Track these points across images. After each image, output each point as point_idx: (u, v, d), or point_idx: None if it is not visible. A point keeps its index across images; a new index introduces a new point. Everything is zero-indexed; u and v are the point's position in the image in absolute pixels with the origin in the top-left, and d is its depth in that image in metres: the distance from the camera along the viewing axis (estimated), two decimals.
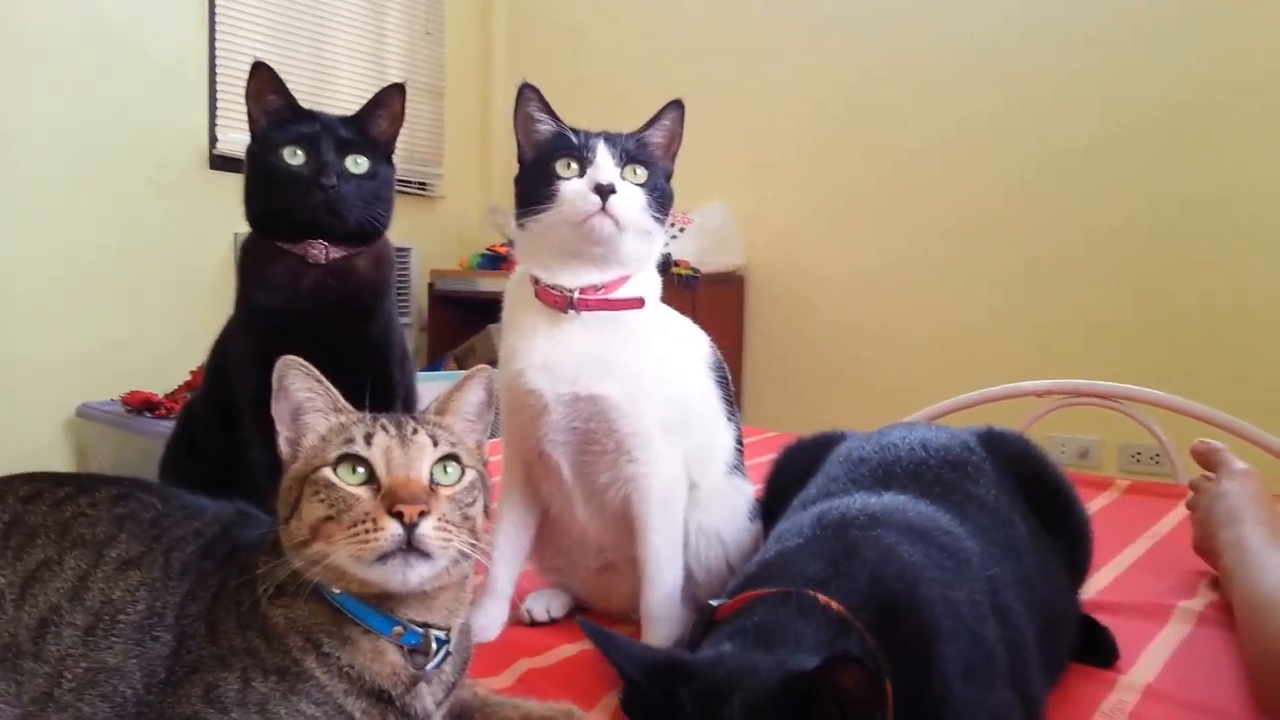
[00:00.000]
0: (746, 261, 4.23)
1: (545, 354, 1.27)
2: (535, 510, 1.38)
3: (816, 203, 4.11)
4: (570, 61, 4.60)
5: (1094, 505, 2.05)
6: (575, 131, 1.30)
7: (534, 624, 1.38)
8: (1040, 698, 1.02)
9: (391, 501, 0.82)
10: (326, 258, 1.48)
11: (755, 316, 4.27)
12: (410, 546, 0.82)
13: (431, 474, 0.87)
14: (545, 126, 1.31)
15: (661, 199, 1.31)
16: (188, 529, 0.95)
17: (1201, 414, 2.21)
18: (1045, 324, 3.56)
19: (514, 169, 1.35)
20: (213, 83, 3.85)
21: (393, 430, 0.87)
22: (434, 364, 4.45)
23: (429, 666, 0.90)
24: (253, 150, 1.49)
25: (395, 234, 1.60)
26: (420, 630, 0.89)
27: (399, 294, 4.29)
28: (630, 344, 1.28)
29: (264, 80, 1.47)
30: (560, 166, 1.27)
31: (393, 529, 0.81)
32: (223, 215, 3.58)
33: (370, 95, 1.54)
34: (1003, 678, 0.93)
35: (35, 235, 3.35)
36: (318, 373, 0.91)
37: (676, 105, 1.34)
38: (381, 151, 1.53)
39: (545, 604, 1.39)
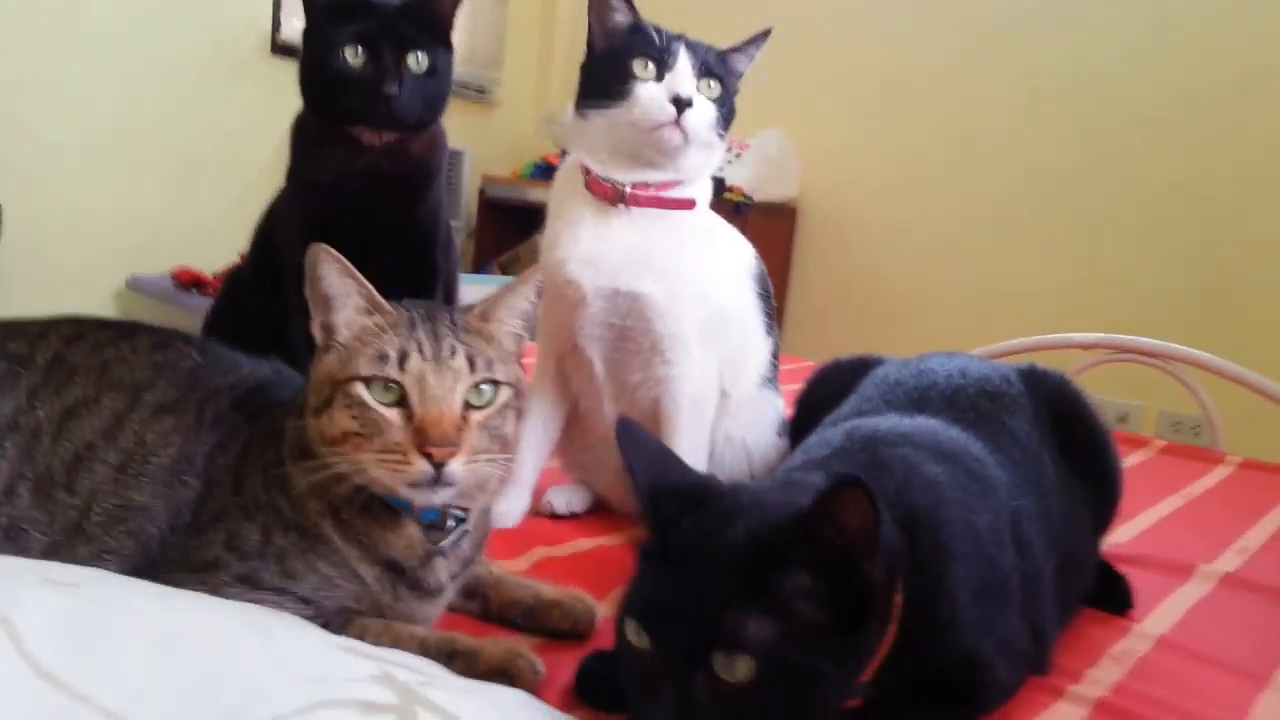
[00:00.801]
0: (800, 194, 4.17)
1: (589, 245, 1.26)
2: (565, 404, 1.38)
3: (875, 142, 4.03)
4: None
5: (1129, 461, 2.03)
6: (657, 30, 1.27)
7: (554, 516, 1.39)
8: (1051, 632, 1.02)
9: (422, 440, 0.82)
10: (380, 141, 1.47)
11: (804, 249, 4.22)
12: (438, 480, 0.83)
13: (465, 398, 0.86)
14: (622, 17, 1.27)
15: (729, 117, 1.30)
16: (223, 382, 0.96)
17: (1250, 380, 2.17)
18: (1097, 280, 3.49)
19: (574, 79, 1.33)
20: None
21: (429, 350, 0.85)
22: (480, 269, 4.46)
23: (445, 544, 0.91)
24: (310, 41, 1.45)
25: (450, 137, 1.58)
26: (439, 509, 0.90)
27: (450, 196, 4.34)
28: (676, 245, 1.27)
29: None
30: (637, 65, 1.23)
31: (421, 466, 0.82)
32: (283, 102, 3.57)
33: None
34: (1015, 605, 0.93)
35: (95, 113, 3.36)
36: (351, 266, 0.87)
37: (765, 36, 1.32)
38: (441, 37, 1.49)
39: (566, 499, 1.41)
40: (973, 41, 3.75)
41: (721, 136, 1.29)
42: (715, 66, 1.27)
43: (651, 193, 1.27)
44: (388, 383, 0.84)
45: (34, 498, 0.89)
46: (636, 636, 0.75)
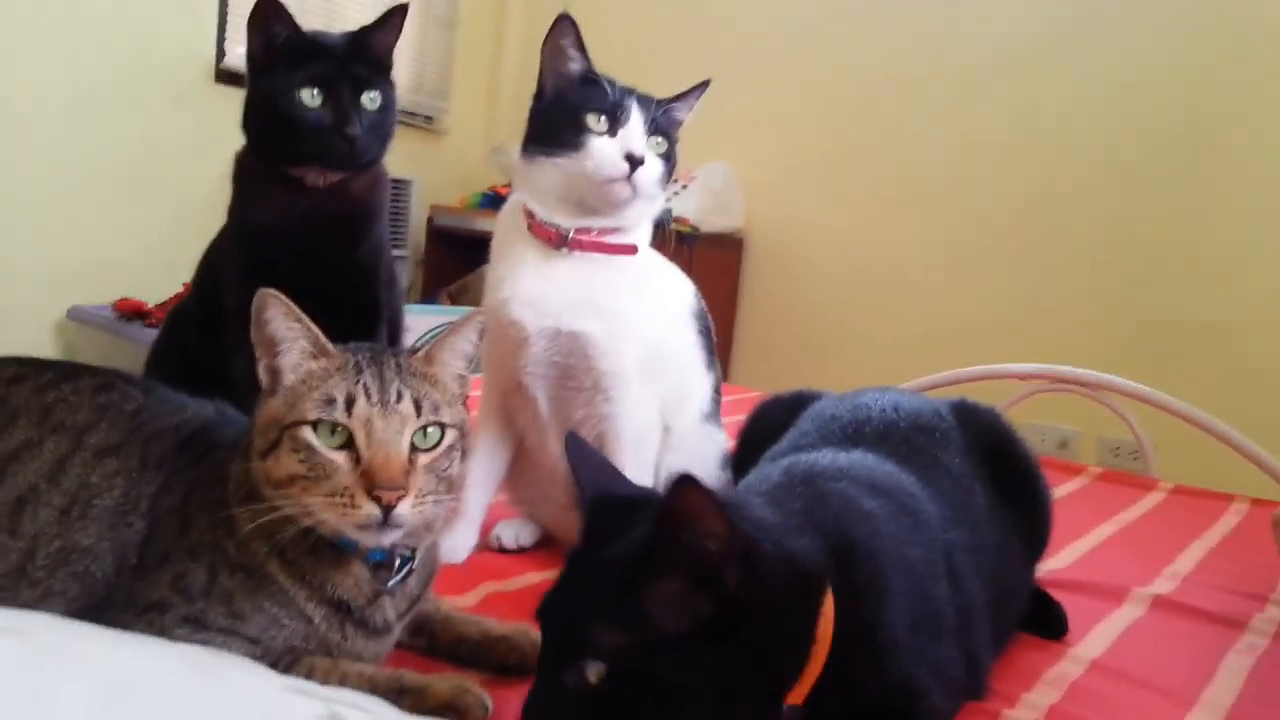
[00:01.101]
0: (746, 225, 4.23)
1: (531, 287, 1.29)
2: (510, 440, 1.40)
3: (821, 175, 4.09)
4: (587, 4, 4.56)
5: (1066, 489, 2.09)
6: (610, 83, 1.29)
7: (503, 551, 1.40)
8: (985, 660, 1.05)
9: (371, 484, 0.83)
10: (324, 182, 1.48)
11: (751, 279, 4.27)
12: (386, 522, 0.84)
13: (412, 440, 0.87)
14: (576, 66, 1.30)
15: (672, 170, 1.33)
16: (167, 423, 0.97)
17: (1180, 410, 2.24)
18: (1037, 314, 3.57)
19: (522, 109, 1.35)
20: None
21: (375, 395, 0.85)
22: (428, 299, 4.45)
23: (391, 583, 0.92)
24: (259, 84, 1.45)
25: (397, 166, 1.59)
26: (386, 548, 0.91)
27: (397, 226, 4.33)
28: (616, 286, 1.30)
29: (271, 10, 1.43)
30: (591, 118, 1.26)
31: (369, 509, 0.83)
32: (226, 130, 3.54)
33: (379, 13, 1.51)
34: (950, 635, 0.96)
35: (36, 140, 3.31)
36: (298, 310, 0.88)
37: (704, 86, 1.36)
38: (386, 73, 1.51)
39: (515, 532, 1.42)
40: (919, 80, 3.83)
41: (664, 188, 1.33)
42: (662, 123, 1.30)
43: (594, 237, 1.30)
44: (335, 426, 0.84)
45: None
46: (540, 633, 0.82)
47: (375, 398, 0.85)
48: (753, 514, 0.86)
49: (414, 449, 0.87)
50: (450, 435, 0.90)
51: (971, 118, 3.72)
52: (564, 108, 1.28)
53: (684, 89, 1.36)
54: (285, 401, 0.87)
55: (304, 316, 0.88)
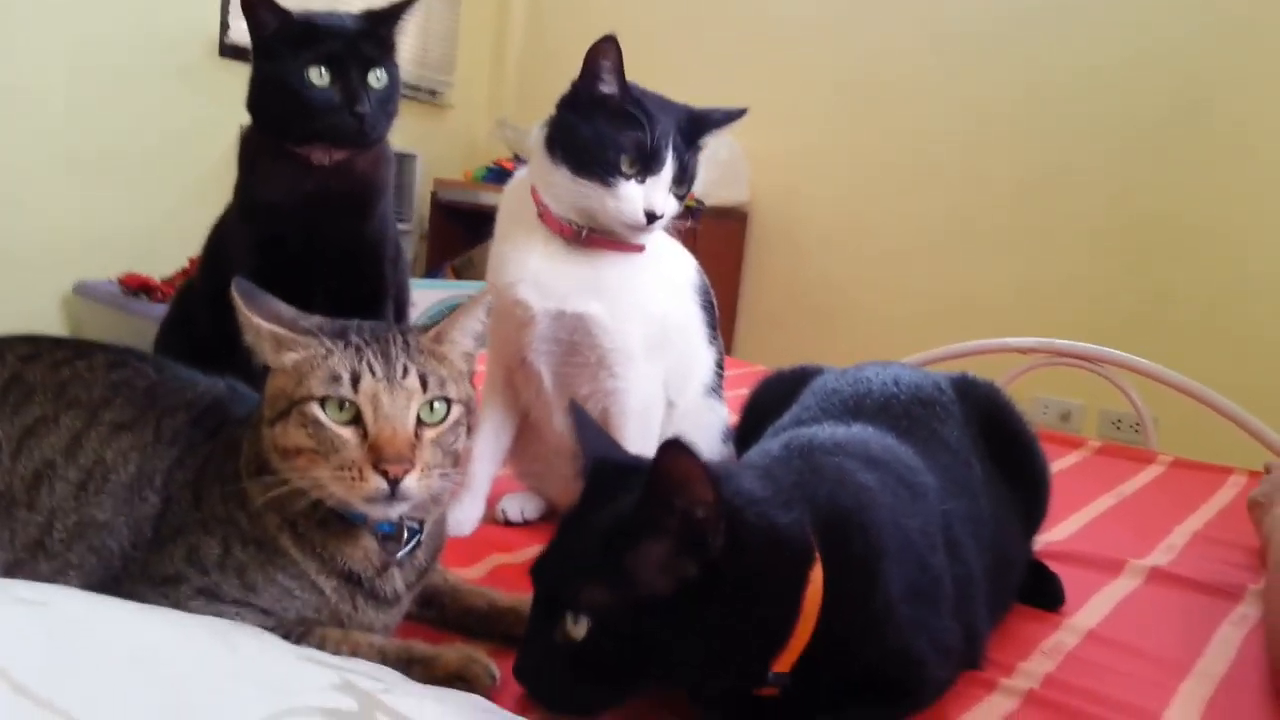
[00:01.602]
0: (751, 198, 4.23)
1: (538, 271, 1.30)
2: (515, 414, 1.41)
3: (827, 147, 4.09)
4: None
5: (1065, 462, 2.11)
6: (650, 117, 1.27)
7: (508, 524, 1.42)
8: (983, 630, 1.07)
9: (378, 457, 0.84)
10: (329, 159, 1.49)
11: (755, 254, 4.27)
12: (393, 495, 0.85)
13: (418, 415, 0.88)
14: (610, 91, 1.27)
15: (685, 196, 1.35)
16: (180, 399, 0.99)
17: (1180, 384, 2.25)
18: (1037, 285, 3.58)
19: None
20: None
21: (380, 371, 0.86)
22: (432, 272, 4.46)
23: (400, 554, 0.94)
24: (265, 64, 1.46)
25: (401, 140, 1.60)
26: (394, 520, 0.92)
27: (401, 200, 4.33)
28: (618, 269, 1.32)
29: (257, 2, 1.43)
30: (624, 161, 1.26)
31: (377, 483, 0.84)
32: (230, 105, 3.54)
33: None
34: (947, 605, 0.98)
35: (40, 116, 3.32)
36: (247, 312, 0.89)
37: (740, 114, 1.38)
38: (393, 54, 1.52)
39: (520, 506, 1.44)
40: (925, 52, 3.81)
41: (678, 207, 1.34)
42: (690, 167, 1.31)
43: (606, 236, 1.31)
44: (342, 402, 0.86)
45: None
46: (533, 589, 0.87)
47: (380, 373, 0.86)
48: (742, 485, 0.88)
49: (420, 423, 0.88)
50: (456, 410, 0.91)
51: (977, 91, 3.71)
52: (600, 140, 1.26)
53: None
54: (291, 379, 0.88)
55: (280, 308, 0.90)
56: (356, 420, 0.86)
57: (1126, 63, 3.40)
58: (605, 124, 1.27)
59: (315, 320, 0.91)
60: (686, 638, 0.81)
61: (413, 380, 0.88)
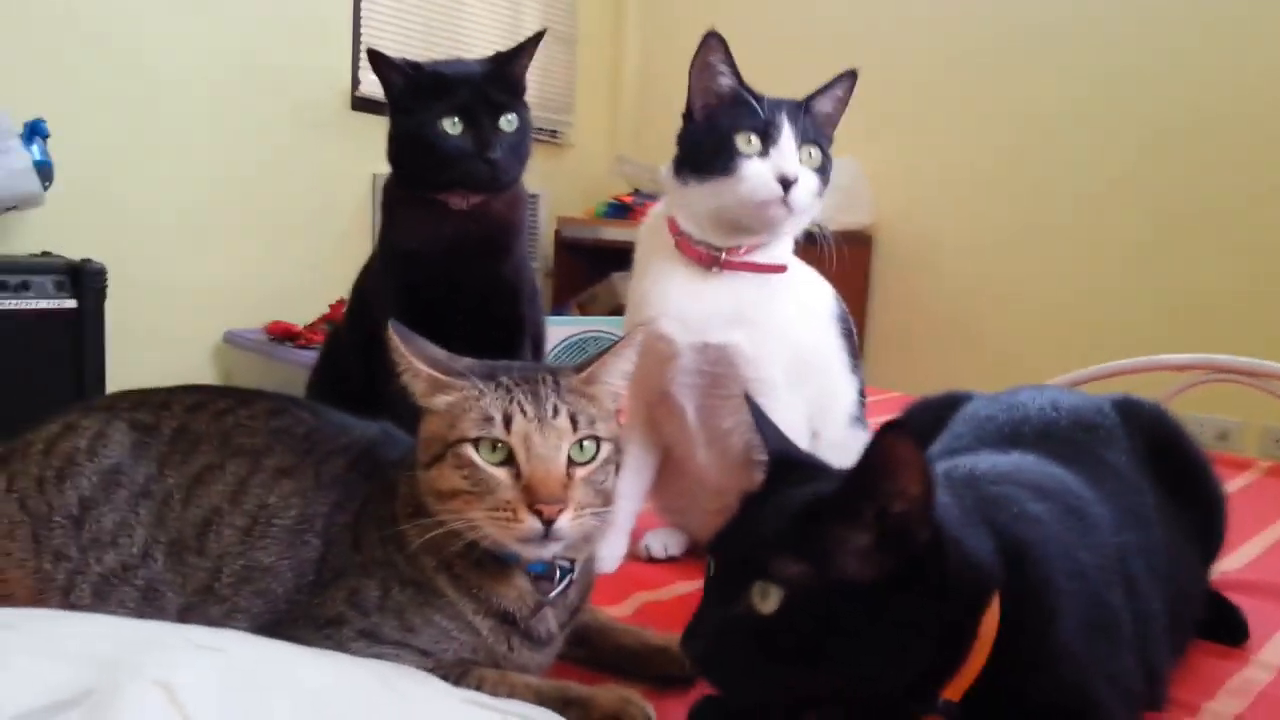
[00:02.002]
0: (874, 220, 4.16)
1: (679, 304, 1.29)
2: (657, 450, 1.41)
3: (948, 165, 4.00)
4: (705, 11, 4.57)
5: (1233, 485, 1.98)
6: (758, 98, 1.27)
7: (651, 560, 1.42)
8: (1164, 669, 1.00)
9: (532, 499, 0.85)
10: (467, 204, 1.53)
11: (881, 277, 4.20)
12: (547, 535, 0.86)
13: (569, 455, 0.89)
14: (726, 81, 1.27)
15: (827, 179, 1.30)
16: (337, 444, 1.01)
17: None
18: (1182, 296, 3.40)
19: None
20: (356, 24, 3.95)
21: (530, 410, 0.87)
22: (558, 309, 4.53)
23: (553, 594, 0.94)
24: (401, 118, 1.52)
25: (526, 180, 1.63)
26: (547, 560, 0.92)
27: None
28: (764, 299, 1.30)
29: (381, 63, 1.49)
30: (741, 140, 1.24)
31: (532, 523, 0.85)
32: (363, 155, 3.71)
33: (504, 39, 1.56)
34: (1126, 643, 0.92)
35: (182, 169, 3.51)
36: (405, 343, 0.90)
37: (851, 76, 1.31)
38: (520, 94, 1.56)
39: (663, 542, 1.43)
40: (1039, 53, 3.71)
41: (820, 197, 1.30)
42: (813, 133, 1.27)
43: (744, 257, 1.29)
44: (496, 443, 0.87)
45: (168, 560, 0.95)
46: (709, 567, 0.84)
47: (532, 414, 0.87)
48: (940, 497, 0.84)
49: (571, 463, 0.88)
50: (606, 449, 0.91)
51: (1096, 92, 3.57)
52: (714, 130, 1.26)
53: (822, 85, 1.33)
54: (443, 420, 0.89)
55: (411, 350, 0.90)
56: (510, 461, 0.87)
57: (1267, 56, 3.22)
58: (719, 117, 1.26)
59: (466, 362, 0.93)
60: (874, 632, 0.76)
61: (563, 420, 0.88)
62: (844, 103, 1.33)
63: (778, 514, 0.81)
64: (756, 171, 1.24)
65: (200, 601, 0.93)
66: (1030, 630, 0.83)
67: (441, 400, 0.90)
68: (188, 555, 0.94)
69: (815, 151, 1.28)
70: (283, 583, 0.93)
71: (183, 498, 0.96)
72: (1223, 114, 3.33)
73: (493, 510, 0.85)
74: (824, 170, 1.30)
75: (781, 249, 1.33)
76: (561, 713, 0.86)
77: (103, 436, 1.00)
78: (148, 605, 0.93)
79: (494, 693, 0.88)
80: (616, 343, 0.95)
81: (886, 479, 0.75)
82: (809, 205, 1.29)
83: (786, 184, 1.23)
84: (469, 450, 0.87)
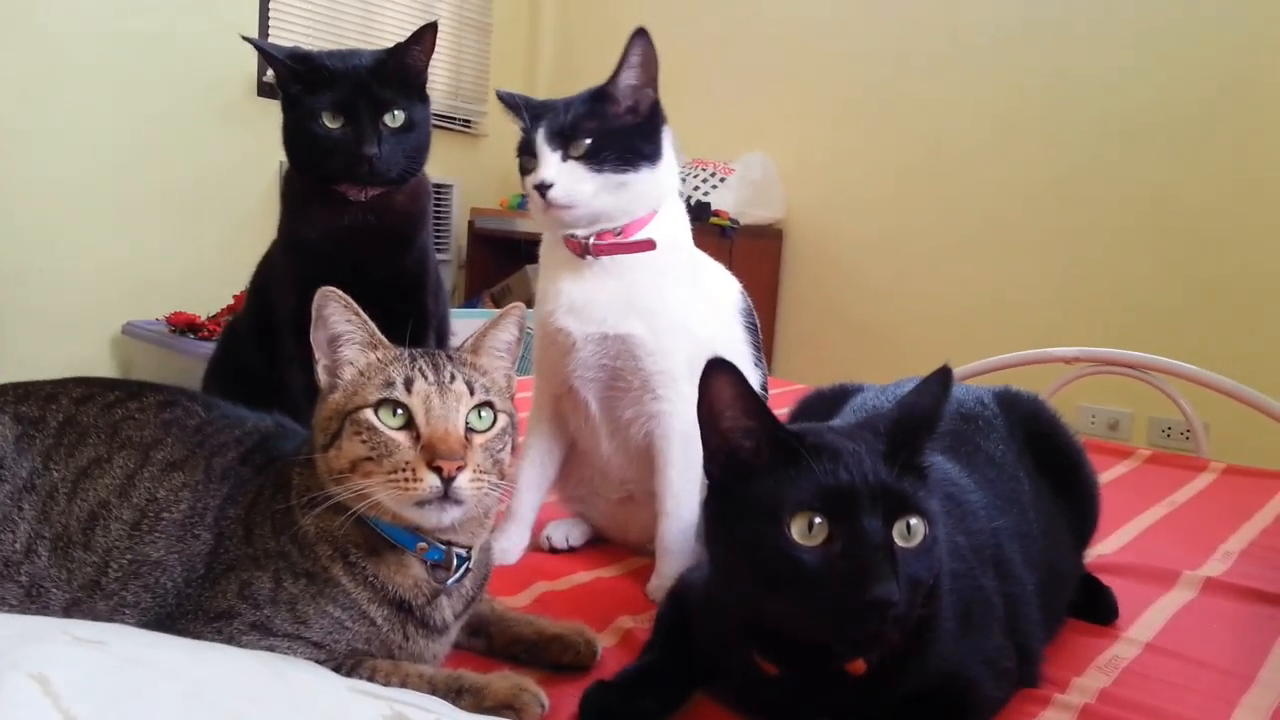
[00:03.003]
0: (786, 215, 4.23)
1: (570, 296, 1.32)
2: (561, 442, 1.42)
3: (858, 160, 4.09)
4: (617, 4, 4.58)
5: (1115, 472, 2.08)
6: (531, 118, 1.33)
7: (553, 551, 1.43)
8: (1037, 648, 1.06)
9: (431, 456, 0.86)
10: (365, 196, 1.52)
11: (791, 271, 4.27)
12: (446, 495, 0.87)
13: (467, 421, 0.91)
14: (517, 116, 1.35)
15: (626, 147, 1.31)
16: (229, 436, 1.00)
17: (1230, 389, 2.22)
18: (1079, 295, 3.54)
19: None
20: (264, 8, 3.88)
21: (431, 376, 0.91)
22: (471, 301, 4.51)
23: (449, 581, 0.95)
24: (289, 109, 1.51)
25: (438, 170, 1.63)
26: (443, 547, 0.94)
27: (439, 230, 4.38)
28: (656, 285, 1.32)
29: (263, 52, 1.49)
30: (526, 161, 1.33)
31: (431, 481, 0.86)
32: (269, 143, 3.61)
33: (416, 26, 1.54)
34: (999, 624, 0.97)
35: (84, 156, 3.42)
36: (355, 305, 0.94)
37: (639, 36, 1.31)
38: (416, 92, 1.54)
39: (565, 533, 1.45)
40: (954, 54, 3.81)
41: (627, 167, 1.31)
42: (578, 124, 1.30)
43: (611, 240, 1.32)
44: (396, 406, 0.88)
45: (53, 556, 0.93)
46: (808, 533, 0.81)
47: (432, 378, 0.90)
48: None
49: (470, 430, 0.91)
50: (502, 420, 0.94)
51: (1005, 93, 3.69)
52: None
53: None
54: (344, 394, 0.92)
55: (360, 311, 0.94)
56: (409, 425, 0.89)
57: (1159, 50, 3.37)
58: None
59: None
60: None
61: (460, 385, 0.91)
62: (643, 63, 1.32)
63: (871, 452, 0.85)
64: (528, 187, 1.32)
65: (86, 597, 0.92)
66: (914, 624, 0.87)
67: (356, 364, 0.93)
68: (74, 550, 0.93)
69: (585, 142, 1.30)
70: (172, 577, 0.92)
71: (69, 492, 0.95)
72: (1105, 106, 3.46)
73: (391, 474, 0.86)
74: (611, 144, 1.31)
75: (655, 227, 1.34)
76: (454, 701, 0.87)
77: None
78: (31, 602, 0.92)
79: (386, 682, 0.88)
80: (495, 315, 1.00)
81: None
82: (589, 193, 1.30)
83: (542, 191, 1.29)
84: (369, 414, 0.88)
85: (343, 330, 0.94)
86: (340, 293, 0.93)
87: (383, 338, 0.95)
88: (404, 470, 0.86)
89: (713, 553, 0.95)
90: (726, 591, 0.94)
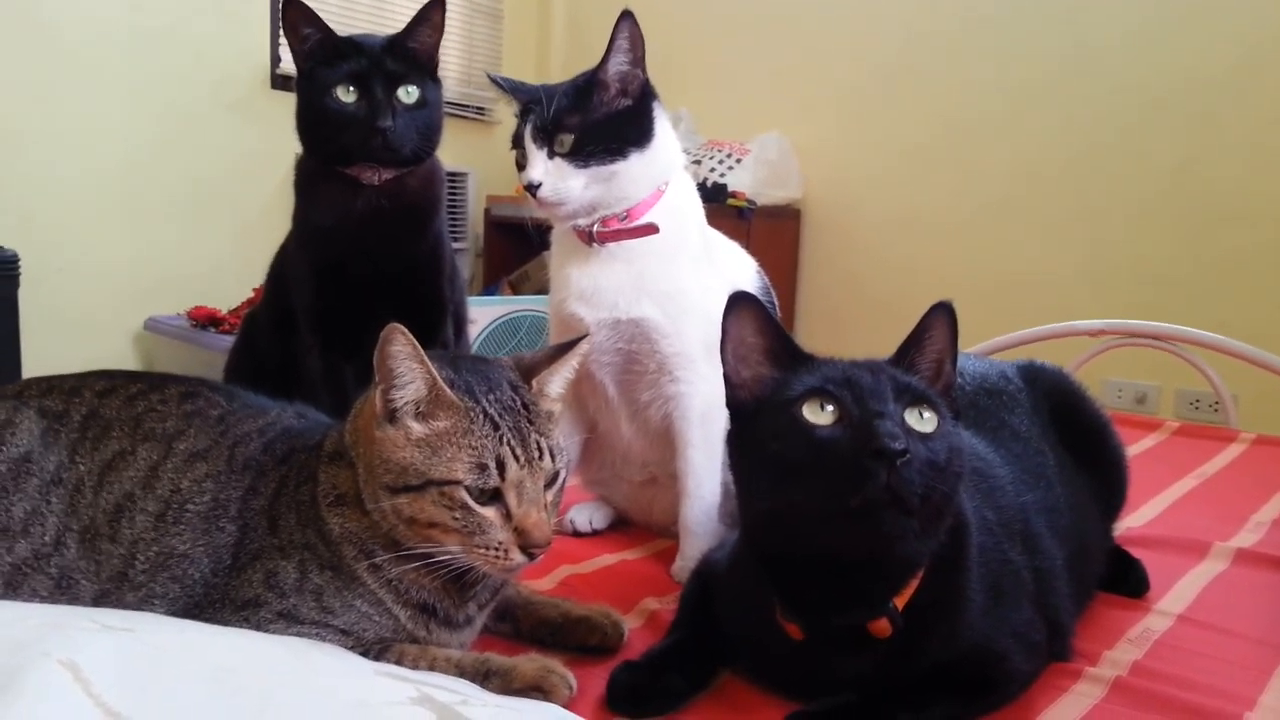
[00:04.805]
0: (803, 195, 4.20)
1: (580, 283, 1.32)
2: (582, 426, 1.42)
3: (875, 137, 4.05)
4: None
5: (1143, 445, 2.06)
6: (521, 109, 1.33)
7: (577, 534, 1.43)
8: (1068, 622, 1.05)
9: (525, 541, 0.87)
10: (379, 179, 1.51)
11: (810, 250, 4.25)
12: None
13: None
14: (512, 105, 1.37)
15: (611, 136, 1.30)
16: (251, 426, 1.00)
17: (1258, 359, 2.19)
18: (1101, 269, 3.49)
19: None
20: (275, 2, 3.88)
21: (520, 454, 0.88)
22: (489, 289, 4.50)
23: (478, 587, 0.95)
24: (303, 86, 1.51)
25: (453, 158, 1.63)
26: None
27: (455, 218, 4.39)
28: (664, 268, 1.32)
29: (297, 15, 1.46)
30: (517, 156, 1.33)
31: (519, 559, 0.87)
32: (283, 135, 3.62)
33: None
34: (1028, 599, 0.96)
35: (99, 154, 3.42)
36: (422, 352, 0.87)
37: (624, 19, 1.30)
38: (427, 70, 1.54)
39: (588, 515, 1.45)
40: (969, 28, 3.76)
41: (615, 156, 1.30)
42: (560, 119, 1.29)
43: (615, 227, 1.32)
44: (488, 489, 0.87)
45: (81, 548, 0.93)
46: (820, 412, 0.86)
47: (522, 458, 0.88)
48: None
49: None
50: (563, 473, 0.94)
51: (1022, 66, 3.64)
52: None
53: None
54: (426, 454, 0.87)
55: (426, 359, 0.88)
56: (497, 498, 0.88)
57: (1177, 27, 3.32)
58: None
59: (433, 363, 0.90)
60: None
61: (546, 460, 0.90)
62: (629, 46, 1.30)
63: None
64: (523, 184, 1.32)
65: (115, 589, 0.92)
66: (943, 591, 0.87)
67: (423, 427, 0.88)
68: (101, 542, 0.93)
69: (568, 138, 1.29)
70: (199, 568, 0.92)
71: (94, 484, 0.95)
72: (1124, 78, 3.42)
73: (484, 549, 0.87)
74: (599, 135, 1.29)
75: (657, 211, 1.33)
76: (482, 684, 0.87)
77: (10, 425, 0.98)
78: (61, 594, 0.92)
79: (414, 666, 0.88)
80: (567, 354, 0.97)
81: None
82: (577, 187, 1.29)
83: (531, 189, 1.29)
84: (462, 494, 0.86)
85: (401, 373, 0.88)
86: (407, 333, 0.86)
87: (444, 389, 0.88)
88: (497, 549, 0.87)
89: (736, 473, 0.97)
90: (749, 506, 0.94)
